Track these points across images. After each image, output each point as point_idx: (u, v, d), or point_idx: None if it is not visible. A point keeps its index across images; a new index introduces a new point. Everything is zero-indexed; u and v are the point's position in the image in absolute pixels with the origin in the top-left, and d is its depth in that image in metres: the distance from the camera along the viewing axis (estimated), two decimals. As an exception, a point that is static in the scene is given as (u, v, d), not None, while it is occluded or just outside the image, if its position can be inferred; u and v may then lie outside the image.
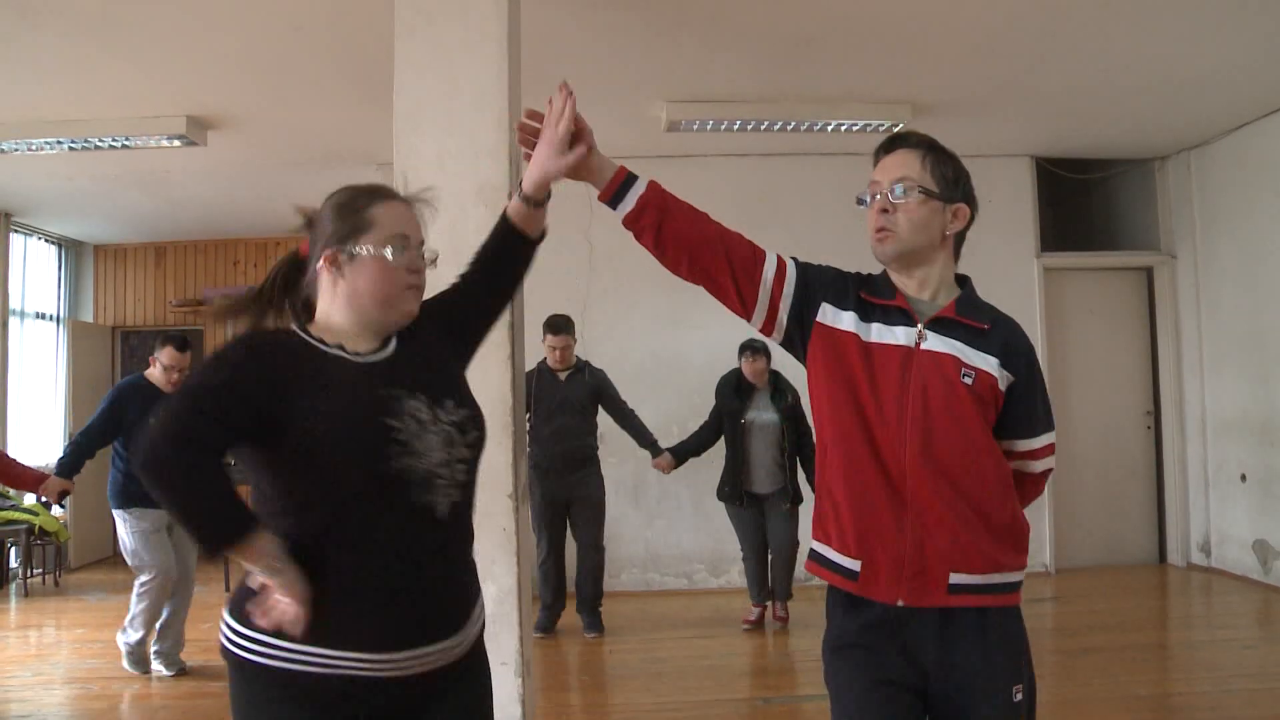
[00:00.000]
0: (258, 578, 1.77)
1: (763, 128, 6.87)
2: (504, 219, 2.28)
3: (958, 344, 2.15)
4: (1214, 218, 7.88)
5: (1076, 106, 6.93)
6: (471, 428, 1.94)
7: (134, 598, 5.49)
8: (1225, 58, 5.94)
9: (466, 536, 1.96)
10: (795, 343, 2.28)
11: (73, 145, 6.76)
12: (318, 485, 1.78)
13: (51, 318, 10.15)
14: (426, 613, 1.83)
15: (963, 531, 2.09)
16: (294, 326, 1.98)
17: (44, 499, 5.55)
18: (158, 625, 5.58)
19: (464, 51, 3.63)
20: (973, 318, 2.20)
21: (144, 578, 5.46)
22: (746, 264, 2.26)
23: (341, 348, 1.91)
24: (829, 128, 6.89)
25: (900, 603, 2.08)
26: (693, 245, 2.30)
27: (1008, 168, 8.10)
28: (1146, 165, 8.36)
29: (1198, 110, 7.03)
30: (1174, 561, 8.19)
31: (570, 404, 6.30)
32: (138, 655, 5.53)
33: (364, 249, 1.93)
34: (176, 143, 6.70)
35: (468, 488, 1.93)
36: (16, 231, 9.37)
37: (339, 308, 1.96)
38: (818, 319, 2.22)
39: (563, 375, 6.36)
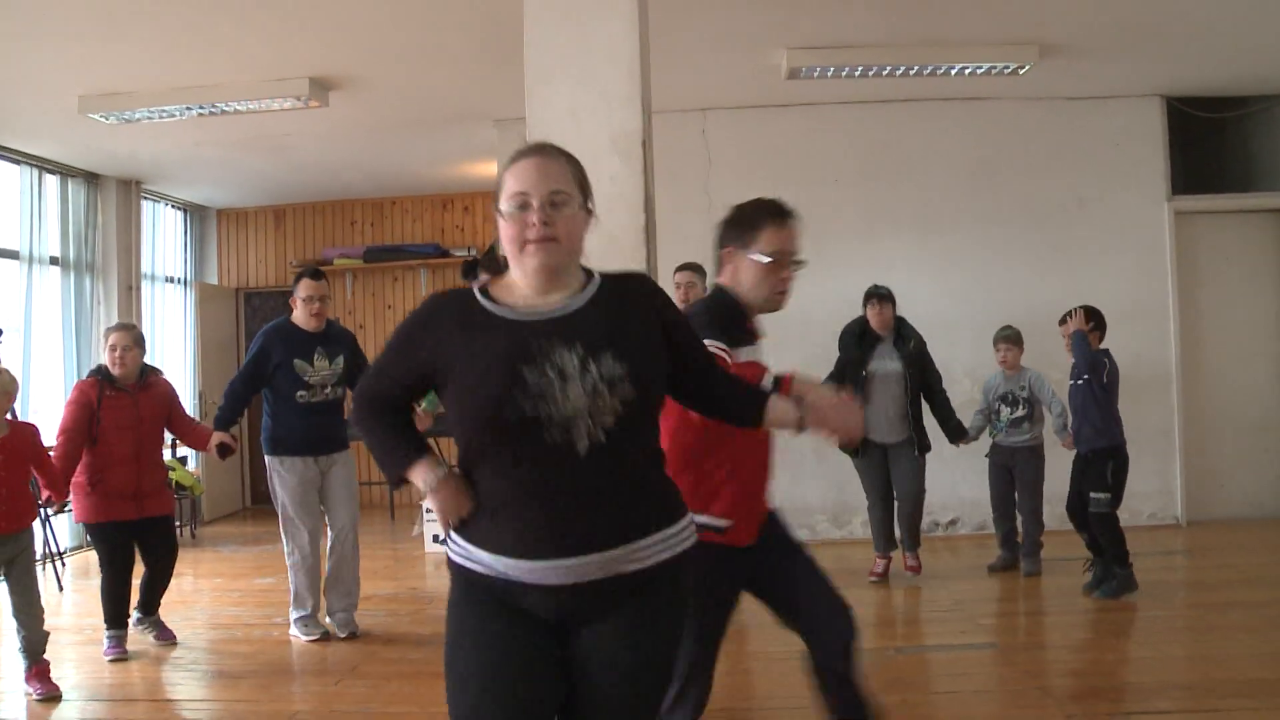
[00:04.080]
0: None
1: (884, 73, 6.73)
2: (759, 415, 2.38)
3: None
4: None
5: (1211, 41, 6.63)
6: (625, 385, 2.00)
7: (289, 570, 5.55)
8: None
9: (621, 464, 2.05)
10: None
11: (200, 111, 6.94)
12: (463, 421, 2.06)
13: (179, 281, 10.47)
14: (567, 530, 2.01)
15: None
16: (475, 285, 2.18)
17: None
18: (323, 587, 5.63)
19: (594, 2, 3.61)
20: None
21: (289, 545, 5.50)
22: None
23: (509, 305, 2.10)
24: (952, 72, 6.72)
25: (749, 543, 2.88)
26: None
27: (1137, 109, 7.84)
28: (1287, 101, 7.98)
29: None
30: (1314, 515, 7.90)
31: None
32: (309, 624, 5.54)
33: (499, 208, 2.12)
34: (299, 105, 6.83)
35: (621, 431, 2.01)
36: (146, 198, 9.67)
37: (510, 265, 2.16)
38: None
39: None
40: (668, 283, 6.13)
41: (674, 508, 2.17)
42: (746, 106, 7.72)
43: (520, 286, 2.13)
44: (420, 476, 2.14)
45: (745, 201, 3.00)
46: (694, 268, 6.26)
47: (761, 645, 5.29)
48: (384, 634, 5.62)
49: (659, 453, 2.20)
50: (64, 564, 7.45)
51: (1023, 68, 6.62)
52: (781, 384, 2.64)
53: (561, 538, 2.00)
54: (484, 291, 2.15)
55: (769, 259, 2.79)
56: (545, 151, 2.15)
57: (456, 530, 2.13)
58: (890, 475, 6.39)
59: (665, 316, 2.20)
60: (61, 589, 7.03)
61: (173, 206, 10.44)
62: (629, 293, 2.18)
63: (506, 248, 2.11)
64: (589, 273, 2.20)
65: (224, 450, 5.49)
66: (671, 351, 2.18)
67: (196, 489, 9.15)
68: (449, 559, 2.17)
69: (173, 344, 10.02)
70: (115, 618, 5.27)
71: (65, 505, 5.39)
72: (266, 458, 5.53)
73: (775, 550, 2.95)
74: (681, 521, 2.17)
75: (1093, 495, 5.77)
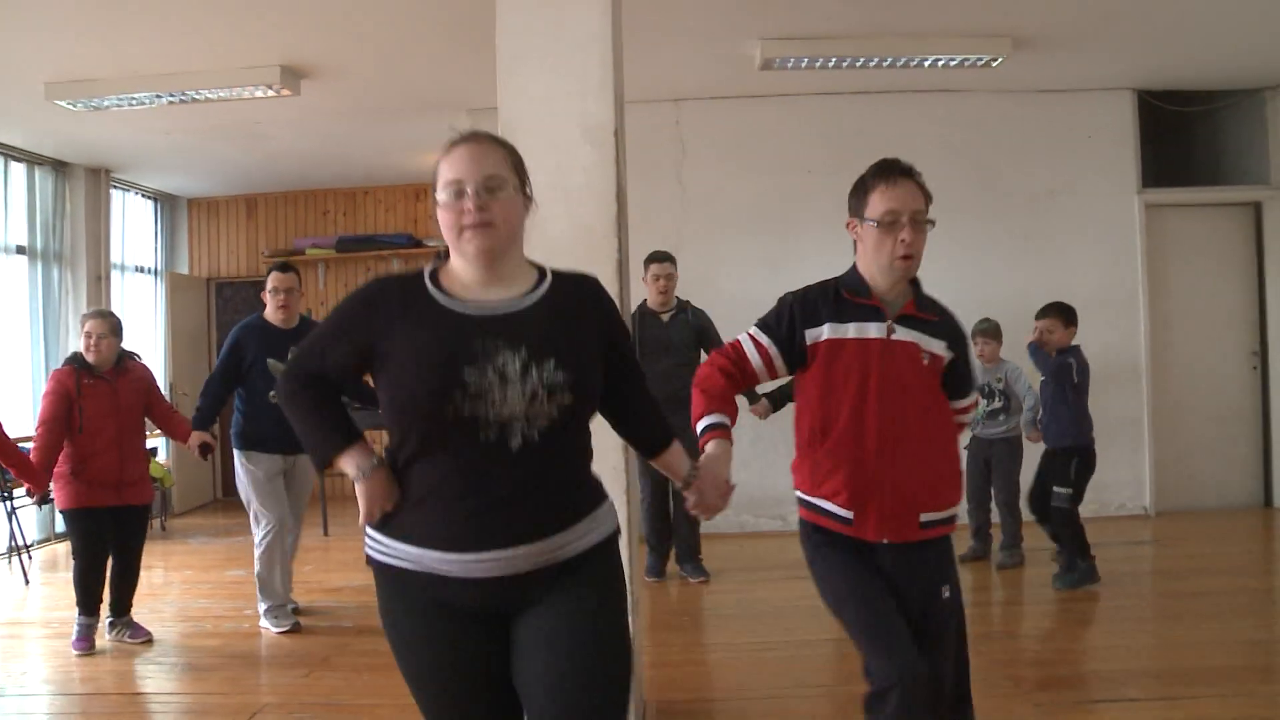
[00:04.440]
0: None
1: (858, 64, 6.74)
2: (655, 450, 2.40)
3: (917, 334, 2.73)
4: (1329, 149, 7.58)
5: (1183, 36, 6.68)
6: (564, 393, 2.02)
7: (256, 560, 5.51)
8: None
9: (553, 460, 2.06)
10: (798, 365, 2.81)
11: (169, 99, 6.87)
12: (397, 412, 2.05)
13: (149, 271, 10.39)
14: (489, 522, 2.01)
15: (930, 480, 2.72)
16: (425, 271, 2.17)
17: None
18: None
19: (567, -11, 3.59)
20: (926, 312, 2.77)
21: (259, 533, 5.47)
22: (748, 375, 2.84)
23: (456, 295, 2.10)
24: (925, 63, 6.73)
25: (885, 541, 2.70)
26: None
27: (1108, 102, 7.88)
28: (1256, 95, 8.03)
29: (1314, 35, 6.73)
30: (1280, 505, 8.00)
31: (673, 345, 6.21)
32: (279, 614, 5.51)
33: (436, 197, 2.14)
34: (270, 93, 6.77)
35: (555, 432, 2.03)
36: (116, 187, 9.58)
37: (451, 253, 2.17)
38: (806, 345, 2.75)
39: (665, 317, 6.28)
40: (639, 272, 6.12)
41: (595, 497, 2.19)
42: (720, 97, 7.72)
43: (465, 274, 2.13)
44: (351, 464, 2.11)
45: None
46: (670, 258, 6.25)
47: (729, 636, 5.31)
48: (355, 626, 5.59)
49: (589, 449, 2.20)
50: (31, 557, 7.38)
51: (996, 60, 6.65)
52: (714, 431, 2.63)
53: (489, 530, 2.00)
54: (434, 278, 2.14)
55: (877, 222, 2.70)
56: (478, 138, 2.16)
57: (378, 524, 2.11)
58: None
59: (607, 325, 2.21)
60: (28, 582, 6.96)
61: (143, 195, 10.34)
62: (577, 297, 2.19)
63: (446, 236, 2.12)
64: (541, 271, 2.20)
65: (205, 449, 5.45)
66: (607, 362, 2.19)
67: (167, 480, 9.07)
68: (369, 557, 2.16)
69: (143, 334, 9.92)
70: (87, 605, 5.21)
71: (47, 496, 5.31)
72: (235, 452, 5.50)
73: (916, 584, 2.73)
74: (603, 506, 2.19)
75: (1055, 489, 5.83)
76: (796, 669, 4.67)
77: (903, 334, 2.70)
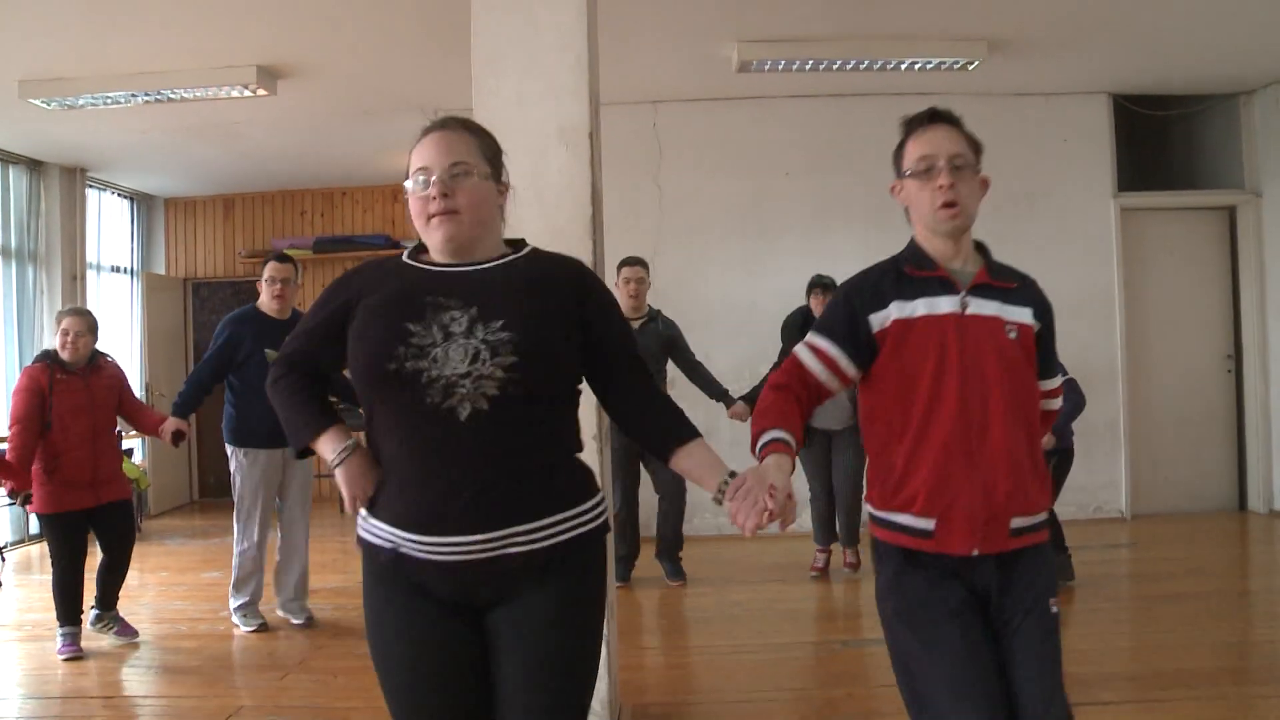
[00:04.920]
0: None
1: (835, 67, 6.76)
2: (668, 448, 2.16)
3: (997, 304, 2.37)
4: (1303, 153, 7.64)
5: (1159, 40, 6.73)
6: (507, 351, 1.95)
7: (235, 556, 5.50)
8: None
9: (509, 438, 1.98)
10: (869, 361, 2.42)
11: (146, 98, 6.82)
12: (352, 371, 2.05)
13: (125, 270, 10.31)
14: (452, 506, 1.97)
15: (1020, 478, 2.33)
16: (408, 249, 2.18)
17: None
18: (274, 576, 5.63)
19: (543, -10, 3.58)
20: (1002, 279, 2.42)
21: (243, 534, 5.45)
22: (813, 391, 2.44)
23: (428, 262, 2.12)
24: (903, 66, 6.76)
25: (975, 552, 2.31)
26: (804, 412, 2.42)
27: (1084, 105, 7.92)
28: (1231, 100, 8.09)
29: (1288, 41, 6.78)
30: (1255, 508, 8.04)
31: (643, 353, 6.21)
32: (248, 613, 5.51)
33: (405, 185, 2.12)
34: (247, 93, 6.74)
35: (503, 402, 1.95)
36: (91, 186, 9.50)
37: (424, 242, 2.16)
38: (874, 333, 2.38)
39: (635, 324, 6.28)
40: (613, 275, 6.12)
41: (576, 492, 2.10)
42: (697, 99, 7.73)
43: (437, 258, 2.13)
44: (327, 447, 2.11)
45: None
46: (641, 262, 6.24)
47: (705, 639, 5.31)
48: (332, 627, 5.57)
49: (562, 439, 2.11)
50: (3, 559, 7.32)
51: (972, 63, 6.67)
52: (772, 445, 2.25)
53: (452, 514, 1.96)
54: (414, 253, 2.16)
55: (912, 171, 2.41)
56: (447, 125, 2.15)
57: (365, 507, 2.10)
58: (833, 465, 6.38)
59: (587, 307, 2.12)
60: (1, 585, 6.90)
61: (119, 195, 10.27)
62: (549, 272, 2.13)
63: (415, 224, 2.10)
64: (520, 245, 2.18)
65: (178, 436, 5.38)
66: (587, 347, 2.11)
67: (143, 482, 9.01)
68: (358, 535, 2.14)
69: (119, 335, 9.85)
70: (68, 614, 5.15)
71: (28, 496, 5.29)
72: (229, 448, 5.48)
73: (1025, 602, 2.35)
74: (585, 504, 2.09)
75: None
76: (772, 672, 4.68)
77: (979, 306, 2.35)
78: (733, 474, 2.08)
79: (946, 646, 2.28)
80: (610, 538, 2.22)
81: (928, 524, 2.31)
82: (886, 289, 2.39)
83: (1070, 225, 7.83)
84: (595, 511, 2.12)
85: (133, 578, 6.96)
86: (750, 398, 6.38)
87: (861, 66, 6.76)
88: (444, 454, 1.96)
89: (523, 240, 2.21)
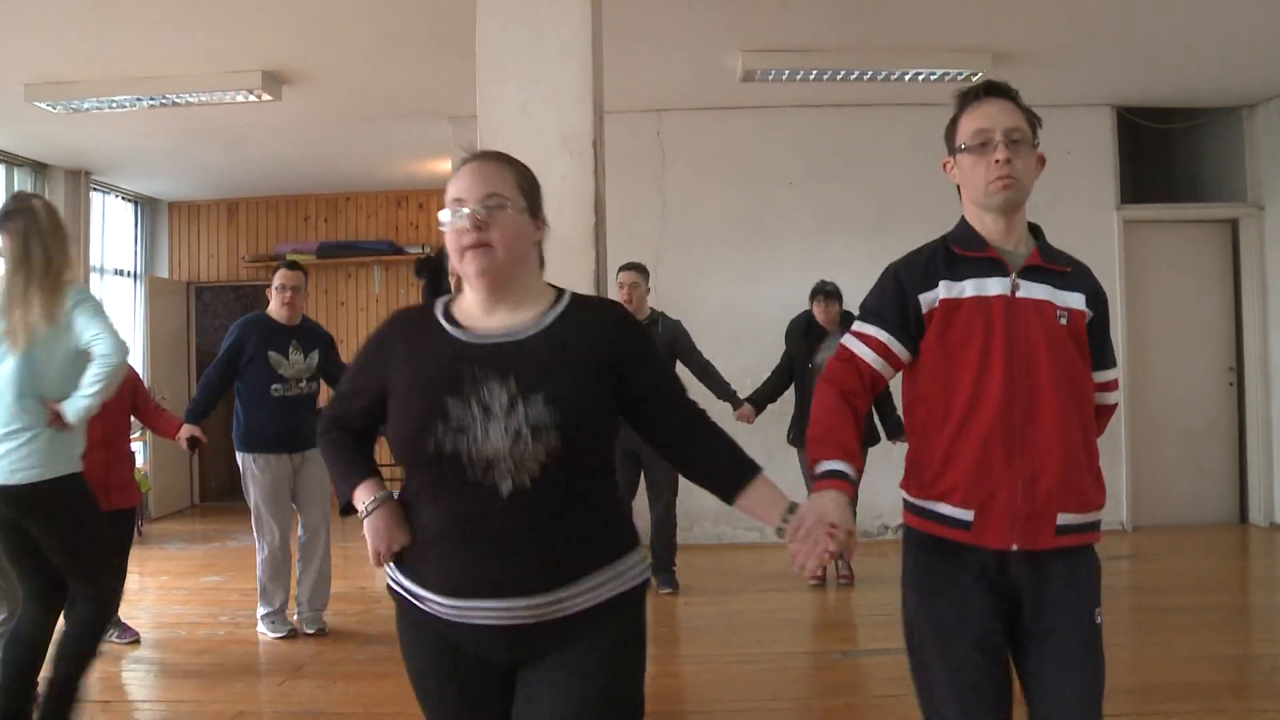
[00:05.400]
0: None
1: (838, 78, 6.76)
2: (732, 494, 2.07)
3: (1048, 288, 2.29)
4: (1306, 167, 7.64)
5: (1163, 54, 6.73)
6: (551, 434, 1.89)
7: (259, 566, 5.48)
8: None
9: (551, 511, 1.94)
10: (918, 342, 2.35)
11: (150, 102, 6.83)
12: (393, 445, 2.02)
13: (129, 274, 10.32)
14: (484, 571, 1.93)
15: (1069, 471, 2.24)
16: (440, 302, 2.13)
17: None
18: (294, 584, 5.61)
19: (548, 1, 3.59)
20: (1055, 262, 2.34)
21: (262, 542, 5.44)
22: (868, 381, 2.35)
23: (462, 324, 2.04)
24: (906, 77, 6.76)
25: (1014, 548, 2.22)
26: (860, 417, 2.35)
27: (1087, 118, 7.91)
28: (1234, 113, 8.10)
29: (1292, 55, 6.79)
30: (1256, 521, 8.03)
31: None
32: (276, 621, 5.49)
33: (439, 217, 2.06)
34: (251, 98, 6.75)
35: (549, 478, 1.91)
36: (96, 190, 9.51)
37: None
38: (923, 313, 2.31)
39: (635, 329, 6.29)
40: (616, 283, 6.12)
41: (618, 546, 2.05)
42: (701, 108, 7.73)
43: (471, 302, 2.06)
44: (359, 500, 2.10)
45: None
46: (638, 267, 6.25)
47: (705, 648, 5.30)
48: (333, 633, 5.56)
49: (600, 495, 2.06)
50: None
51: (976, 75, 6.65)
52: (826, 480, 2.16)
53: (487, 579, 1.93)
54: (446, 308, 2.09)
55: (966, 145, 2.32)
56: (483, 157, 2.10)
57: (392, 560, 2.08)
58: None
59: (626, 360, 2.04)
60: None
61: (123, 198, 10.28)
62: (588, 324, 2.05)
63: (452, 258, 2.04)
64: (560, 295, 2.10)
65: (194, 443, 5.38)
66: (629, 400, 2.05)
67: (143, 485, 9.00)
68: (388, 586, 2.14)
69: (123, 337, 9.84)
70: None
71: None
72: (239, 455, 5.46)
73: (1063, 608, 2.27)
74: (628, 559, 2.04)
75: None
76: (771, 681, 4.68)
77: (1030, 289, 2.27)
78: (793, 508, 2.02)
79: (963, 666, 2.23)
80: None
81: (966, 515, 2.23)
82: (936, 268, 2.32)
83: (1073, 237, 7.66)
84: (637, 567, 2.07)
85: (132, 581, 6.97)
86: (755, 399, 6.41)
87: (865, 77, 6.76)
88: (485, 525, 1.93)
89: (563, 290, 2.14)
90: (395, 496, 2.09)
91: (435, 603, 1.99)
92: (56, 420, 3.61)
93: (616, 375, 2.02)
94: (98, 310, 3.70)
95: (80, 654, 3.71)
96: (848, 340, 2.37)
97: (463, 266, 2.01)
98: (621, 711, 2.03)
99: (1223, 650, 4.93)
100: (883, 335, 2.32)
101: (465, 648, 2.02)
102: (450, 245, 2.02)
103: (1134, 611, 5.87)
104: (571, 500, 1.97)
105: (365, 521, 2.07)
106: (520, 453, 1.89)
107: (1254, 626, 5.61)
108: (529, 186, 2.08)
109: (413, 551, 2.04)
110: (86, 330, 3.63)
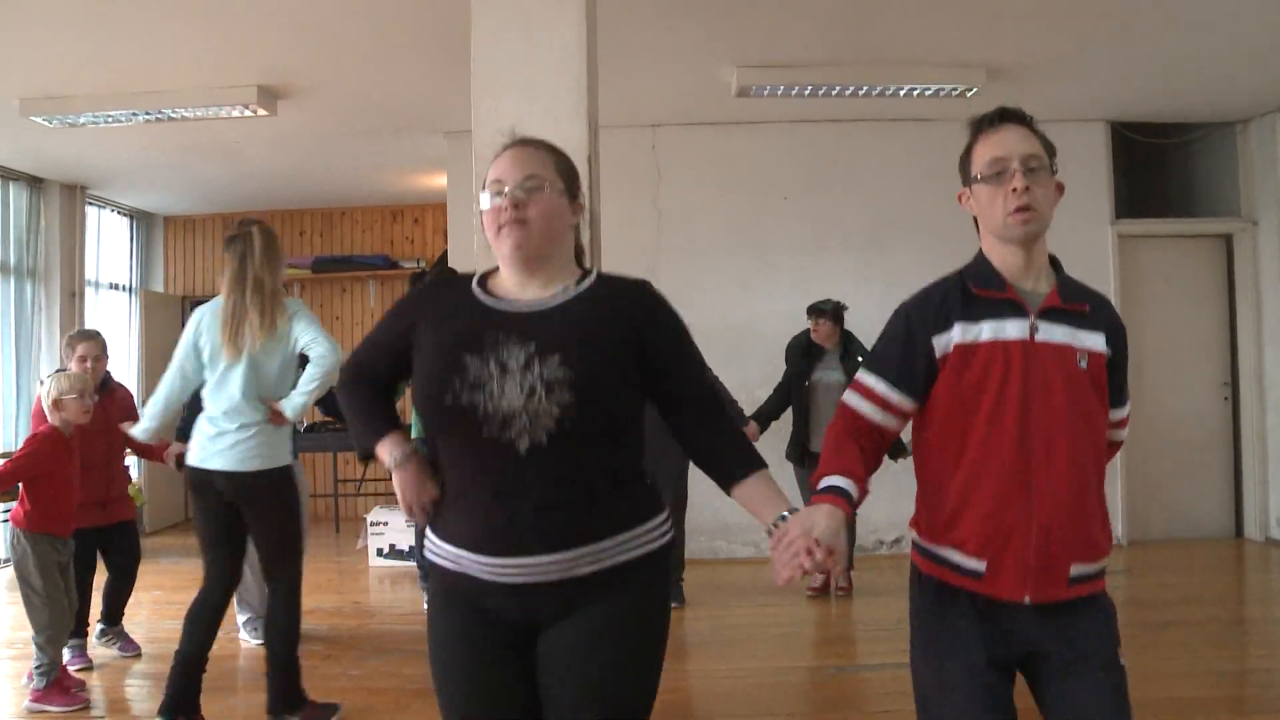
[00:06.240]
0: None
1: (834, 93, 6.77)
2: (730, 481, 2.13)
3: (1067, 329, 2.19)
4: (1300, 182, 7.66)
5: (1156, 69, 6.75)
6: (564, 391, 1.95)
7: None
8: (1316, 16, 5.75)
9: (569, 469, 2.00)
10: (927, 388, 2.26)
11: (146, 117, 6.84)
12: (415, 400, 2.10)
13: (124, 288, 10.32)
14: (517, 529, 1.99)
15: (1082, 521, 2.16)
16: (477, 273, 2.21)
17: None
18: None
19: (542, 13, 3.61)
20: (1074, 301, 2.23)
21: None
22: (872, 436, 2.27)
23: (495, 294, 2.12)
24: (900, 92, 6.78)
25: (1027, 600, 2.14)
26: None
27: (1082, 133, 7.92)
28: (1228, 128, 8.13)
29: (1285, 70, 6.82)
30: (1251, 536, 8.04)
31: None
32: (257, 626, 5.51)
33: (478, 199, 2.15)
34: (247, 112, 6.76)
35: (561, 436, 1.96)
36: (91, 204, 9.52)
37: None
38: (936, 357, 2.21)
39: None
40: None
41: (639, 511, 2.09)
42: (696, 123, 7.75)
43: (506, 278, 2.14)
44: (385, 452, 2.16)
45: None
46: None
47: (701, 663, 5.28)
48: (326, 648, 5.54)
49: (623, 465, 2.09)
50: (-3, 576, 7.30)
51: (971, 90, 6.69)
52: (824, 495, 2.10)
53: (513, 535, 1.99)
54: (483, 279, 2.17)
55: (982, 175, 2.23)
56: (524, 142, 2.17)
57: (432, 524, 2.15)
58: None
59: (646, 332, 2.09)
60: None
61: (119, 212, 10.28)
62: (612, 298, 2.11)
63: (488, 238, 2.11)
64: (588, 273, 2.17)
65: (180, 462, 5.36)
66: (649, 374, 2.09)
67: (138, 499, 8.96)
68: (426, 559, 2.18)
69: (117, 352, 9.82)
70: (75, 628, 5.14)
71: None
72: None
73: (1077, 640, 2.19)
74: (650, 522, 2.09)
75: None
76: (767, 696, 4.66)
77: (1049, 332, 2.17)
78: (786, 514, 2.03)
79: (967, 710, 2.16)
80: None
81: (979, 565, 2.15)
82: (951, 308, 2.21)
83: (1067, 252, 7.63)
84: (660, 530, 2.11)
85: (126, 596, 6.96)
86: (760, 415, 6.42)
87: (860, 92, 6.78)
88: (506, 483, 1.99)
89: (592, 269, 2.21)
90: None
91: (469, 561, 2.04)
92: (277, 417, 4.12)
93: (639, 344, 2.07)
94: (312, 319, 4.19)
95: (289, 628, 4.27)
96: (848, 396, 2.29)
97: (499, 243, 2.08)
98: (642, 672, 2.08)
99: (1218, 665, 4.92)
100: (881, 386, 2.24)
101: (490, 609, 2.06)
102: (488, 224, 2.10)
103: (1129, 626, 5.78)
104: (589, 462, 2.02)
105: (395, 474, 2.14)
106: (535, 408, 1.95)
107: (1250, 641, 5.60)
108: (568, 171, 2.16)
109: (449, 514, 2.10)
110: (304, 335, 4.12)
